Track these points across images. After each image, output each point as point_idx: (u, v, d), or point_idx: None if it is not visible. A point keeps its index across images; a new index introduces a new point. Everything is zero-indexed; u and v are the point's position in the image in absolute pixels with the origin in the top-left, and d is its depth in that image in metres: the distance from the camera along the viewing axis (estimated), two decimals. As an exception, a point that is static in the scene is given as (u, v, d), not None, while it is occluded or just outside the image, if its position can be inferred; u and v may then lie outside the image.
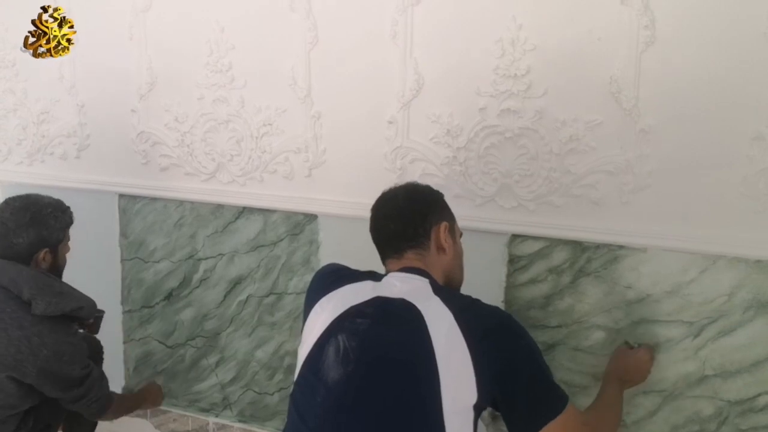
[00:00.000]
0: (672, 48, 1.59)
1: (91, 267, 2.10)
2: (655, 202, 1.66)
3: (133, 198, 2.36)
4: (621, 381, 1.64)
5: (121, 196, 2.38)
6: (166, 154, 2.26)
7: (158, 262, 2.36)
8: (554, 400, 1.34)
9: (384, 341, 1.32)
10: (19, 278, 1.79)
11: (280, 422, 2.23)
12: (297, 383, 1.39)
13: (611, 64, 1.64)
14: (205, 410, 2.36)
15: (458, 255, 1.54)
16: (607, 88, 1.65)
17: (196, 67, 2.14)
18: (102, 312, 2.03)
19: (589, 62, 1.67)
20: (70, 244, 1.99)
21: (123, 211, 2.39)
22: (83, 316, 1.88)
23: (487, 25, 1.75)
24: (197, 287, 2.30)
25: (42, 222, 1.85)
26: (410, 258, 1.46)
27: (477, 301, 1.41)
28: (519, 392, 1.32)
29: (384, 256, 1.51)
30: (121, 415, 2.09)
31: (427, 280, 1.42)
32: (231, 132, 2.14)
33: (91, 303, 1.92)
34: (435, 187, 1.58)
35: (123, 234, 2.40)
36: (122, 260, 2.42)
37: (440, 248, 1.48)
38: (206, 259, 2.27)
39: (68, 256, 1.98)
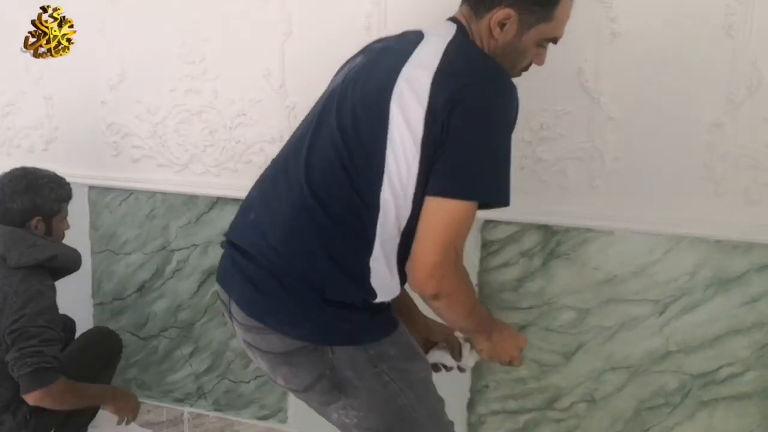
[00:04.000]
0: (636, 40, 1.67)
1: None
2: (622, 186, 1.74)
3: (104, 190, 2.34)
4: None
5: (91, 188, 2.36)
6: (137, 145, 2.25)
7: (129, 254, 2.35)
8: (471, 183, 1.21)
9: (380, 58, 1.34)
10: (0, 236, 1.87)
11: (256, 410, 2.26)
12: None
13: (579, 56, 1.71)
14: (179, 400, 2.37)
15: (508, 52, 1.34)
16: (576, 78, 1.72)
17: (168, 58, 2.14)
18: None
19: (558, 53, 1.72)
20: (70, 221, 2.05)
21: (93, 204, 2.37)
22: (59, 266, 1.93)
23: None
24: (170, 278, 2.31)
25: (36, 190, 1.92)
26: (460, 11, 1.37)
27: (479, 60, 1.29)
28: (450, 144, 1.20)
29: None
30: (69, 402, 1.88)
31: (455, 26, 1.33)
32: (204, 123, 2.14)
33: (70, 253, 1.97)
34: None
35: (93, 226, 2.38)
36: (92, 253, 2.40)
37: (490, 33, 1.32)
38: (179, 250, 2.27)
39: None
